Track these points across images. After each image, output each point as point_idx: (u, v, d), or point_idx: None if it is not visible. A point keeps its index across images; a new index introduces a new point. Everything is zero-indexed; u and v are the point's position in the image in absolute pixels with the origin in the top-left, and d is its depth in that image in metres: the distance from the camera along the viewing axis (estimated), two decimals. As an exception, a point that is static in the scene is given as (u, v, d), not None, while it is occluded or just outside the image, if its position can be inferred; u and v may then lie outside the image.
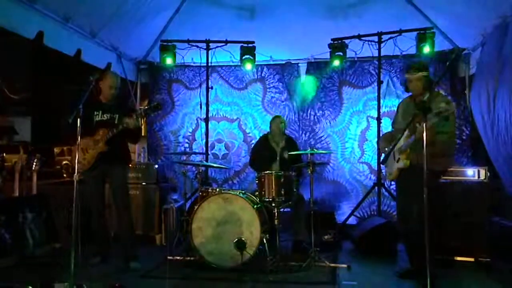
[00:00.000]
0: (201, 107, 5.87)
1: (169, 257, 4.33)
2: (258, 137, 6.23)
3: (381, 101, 5.52)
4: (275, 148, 5.04)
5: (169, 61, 5.80)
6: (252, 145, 6.22)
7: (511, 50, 4.28)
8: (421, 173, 3.06)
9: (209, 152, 6.15)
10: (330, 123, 6.18)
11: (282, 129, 5.08)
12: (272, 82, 6.36)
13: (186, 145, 6.52)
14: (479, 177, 4.43)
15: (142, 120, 4.17)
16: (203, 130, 6.00)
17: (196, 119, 6.48)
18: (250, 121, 6.43)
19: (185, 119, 6.55)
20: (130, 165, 4.91)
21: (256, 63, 5.95)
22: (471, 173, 4.48)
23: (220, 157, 6.46)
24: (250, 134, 6.44)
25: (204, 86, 5.99)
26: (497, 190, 4.41)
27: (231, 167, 6.39)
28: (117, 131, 3.94)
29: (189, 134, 6.56)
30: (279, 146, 5.04)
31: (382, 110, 5.62)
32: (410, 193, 3.47)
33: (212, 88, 5.96)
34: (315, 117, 6.21)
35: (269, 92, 6.36)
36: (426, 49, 5.20)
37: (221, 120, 6.50)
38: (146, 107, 3.95)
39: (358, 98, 6.10)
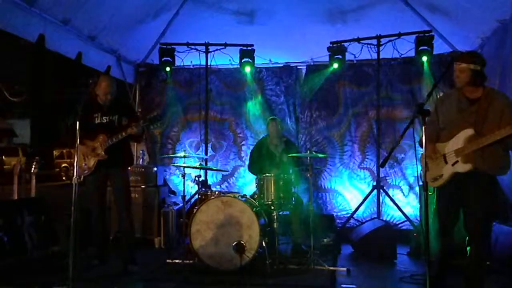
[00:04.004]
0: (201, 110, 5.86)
1: (168, 260, 4.32)
2: (249, 138, 6.18)
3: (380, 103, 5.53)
4: (274, 152, 5.03)
5: (168, 64, 5.80)
6: (243, 147, 6.19)
7: (511, 53, 4.29)
8: (484, 179, 2.99)
9: (194, 153, 6.09)
10: (327, 125, 6.12)
11: (280, 131, 5.08)
12: (270, 85, 6.32)
13: (169, 146, 6.41)
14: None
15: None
16: (189, 129, 5.98)
17: (184, 119, 6.40)
18: (242, 121, 6.31)
19: (171, 118, 6.42)
20: (129, 168, 4.90)
21: (255, 66, 5.94)
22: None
23: (207, 160, 6.13)
24: (241, 135, 6.30)
25: (199, 87, 5.97)
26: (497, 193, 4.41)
27: (228, 171, 6.23)
28: (117, 140, 3.94)
29: (173, 134, 6.44)
30: (278, 149, 5.03)
31: (382, 113, 5.62)
32: (469, 202, 3.08)
33: (211, 90, 5.96)
34: (312, 119, 6.14)
35: (265, 94, 6.30)
36: (425, 52, 5.22)
37: (211, 119, 6.22)
38: (149, 117, 3.96)
39: (357, 99, 6.05)
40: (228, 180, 6.32)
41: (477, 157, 3.00)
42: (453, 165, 3.11)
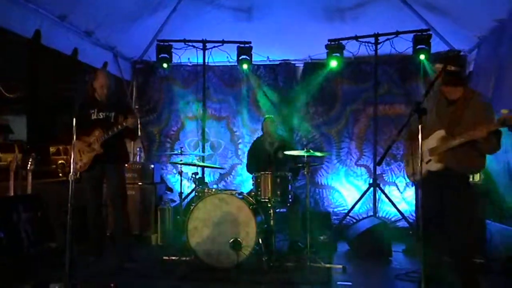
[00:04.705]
0: (198, 108, 5.86)
1: (165, 257, 4.33)
2: (245, 136, 6.18)
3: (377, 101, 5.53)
4: (269, 150, 5.03)
5: (165, 61, 5.78)
6: (239, 145, 6.19)
7: (507, 52, 4.31)
8: (458, 180, 3.02)
9: (192, 152, 6.09)
10: (324, 121, 6.12)
11: (274, 129, 5.08)
12: (267, 81, 6.31)
13: (168, 144, 6.42)
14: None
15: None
16: (188, 129, 5.95)
17: (182, 118, 6.41)
18: (239, 119, 6.33)
19: (171, 117, 6.45)
20: (126, 165, 4.90)
21: (252, 63, 5.92)
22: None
23: (205, 158, 6.11)
24: (237, 133, 6.33)
25: (196, 84, 5.96)
26: (491, 192, 4.44)
27: (224, 168, 6.24)
28: (113, 133, 3.93)
29: (172, 133, 6.45)
30: (273, 147, 5.03)
31: (379, 110, 5.64)
32: (445, 204, 3.16)
33: (208, 88, 5.95)
34: (308, 115, 6.14)
35: (262, 91, 6.26)
36: (423, 51, 5.23)
37: (209, 118, 6.26)
38: (142, 109, 3.97)
39: (355, 96, 6.06)
40: (226, 178, 6.32)
41: (449, 157, 3.07)
42: (427, 163, 3.20)
